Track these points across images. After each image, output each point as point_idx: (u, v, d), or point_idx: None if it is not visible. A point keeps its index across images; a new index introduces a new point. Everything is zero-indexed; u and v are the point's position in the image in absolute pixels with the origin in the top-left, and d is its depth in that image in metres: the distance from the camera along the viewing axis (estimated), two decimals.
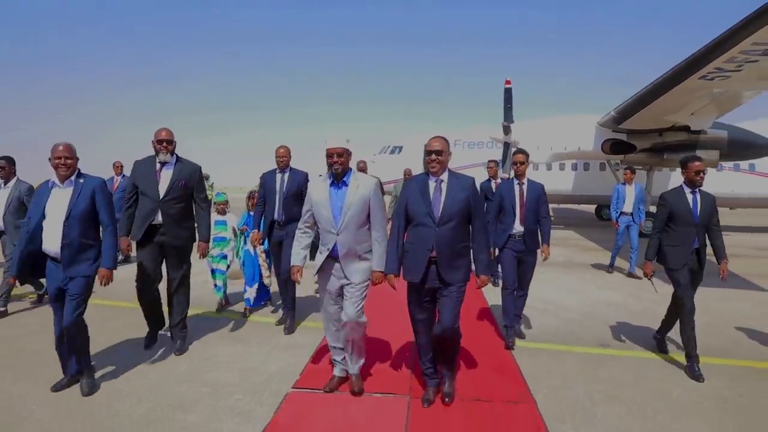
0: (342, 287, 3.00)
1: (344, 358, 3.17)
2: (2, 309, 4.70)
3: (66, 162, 2.97)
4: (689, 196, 3.61)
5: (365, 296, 3.03)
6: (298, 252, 3.11)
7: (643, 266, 3.78)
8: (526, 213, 4.05)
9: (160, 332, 3.98)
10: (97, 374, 3.28)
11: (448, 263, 2.76)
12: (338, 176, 2.93)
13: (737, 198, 13.31)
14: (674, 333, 3.87)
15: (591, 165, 14.26)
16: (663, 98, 8.52)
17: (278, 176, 4.38)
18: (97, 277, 3.08)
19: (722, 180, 12.96)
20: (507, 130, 12.55)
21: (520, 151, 4.27)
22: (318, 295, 3.32)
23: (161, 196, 3.57)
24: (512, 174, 4.24)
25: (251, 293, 4.89)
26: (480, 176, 5.11)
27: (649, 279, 3.75)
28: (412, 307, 2.98)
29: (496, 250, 4.24)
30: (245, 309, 4.85)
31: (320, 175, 3.23)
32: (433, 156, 2.81)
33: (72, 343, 3.03)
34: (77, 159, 3.05)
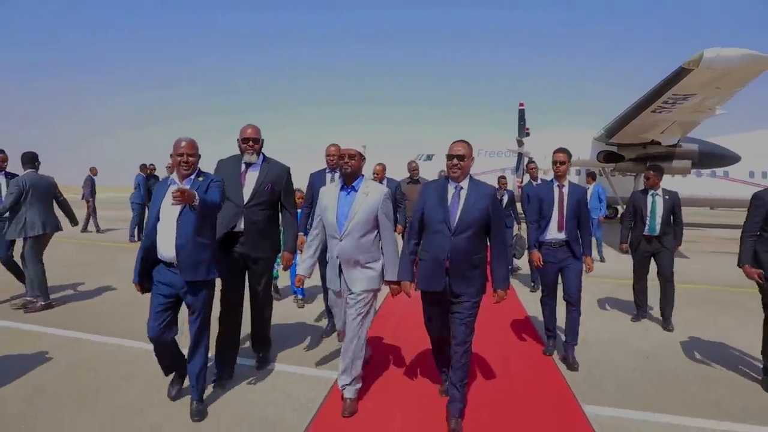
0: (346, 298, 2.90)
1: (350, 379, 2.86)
2: (48, 301, 4.80)
3: (188, 160, 2.76)
4: None
5: (368, 309, 2.88)
6: (305, 260, 3.03)
7: (746, 273, 3.26)
8: (567, 219, 3.68)
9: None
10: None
11: (461, 274, 2.65)
12: (348, 178, 2.85)
13: (714, 199, 16.04)
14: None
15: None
16: (632, 123, 11.50)
17: (328, 177, 4.12)
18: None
19: (702, 184, 15.69)
20: (520, 143, 15.59)
21: (562, 149, 3.80)
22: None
23: (245, 201, 3.24)
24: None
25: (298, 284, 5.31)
26: (496, 181, 6.32)
27: (761, 281, 3.19)
28: (426, 318, 2.92)
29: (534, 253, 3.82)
30: (296, 300, 5.29)
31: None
32: (455, 161, 2.67)
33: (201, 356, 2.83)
34: (199, 156, 2.85)
